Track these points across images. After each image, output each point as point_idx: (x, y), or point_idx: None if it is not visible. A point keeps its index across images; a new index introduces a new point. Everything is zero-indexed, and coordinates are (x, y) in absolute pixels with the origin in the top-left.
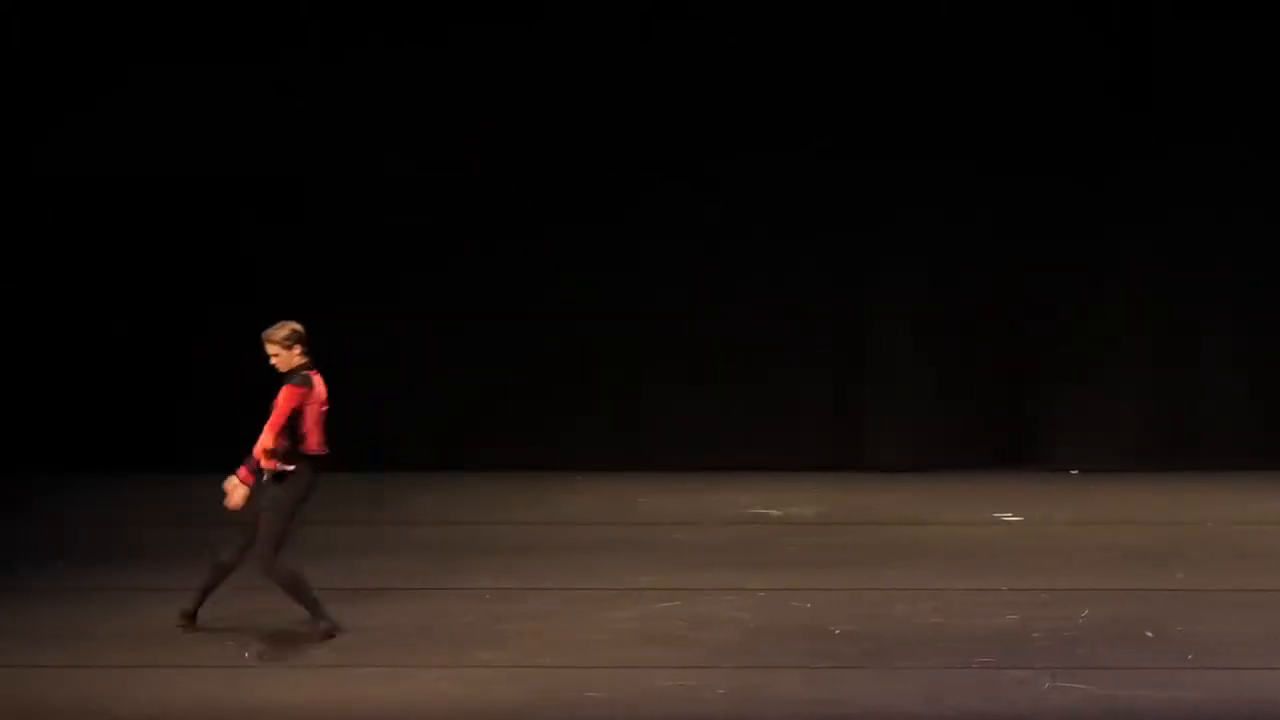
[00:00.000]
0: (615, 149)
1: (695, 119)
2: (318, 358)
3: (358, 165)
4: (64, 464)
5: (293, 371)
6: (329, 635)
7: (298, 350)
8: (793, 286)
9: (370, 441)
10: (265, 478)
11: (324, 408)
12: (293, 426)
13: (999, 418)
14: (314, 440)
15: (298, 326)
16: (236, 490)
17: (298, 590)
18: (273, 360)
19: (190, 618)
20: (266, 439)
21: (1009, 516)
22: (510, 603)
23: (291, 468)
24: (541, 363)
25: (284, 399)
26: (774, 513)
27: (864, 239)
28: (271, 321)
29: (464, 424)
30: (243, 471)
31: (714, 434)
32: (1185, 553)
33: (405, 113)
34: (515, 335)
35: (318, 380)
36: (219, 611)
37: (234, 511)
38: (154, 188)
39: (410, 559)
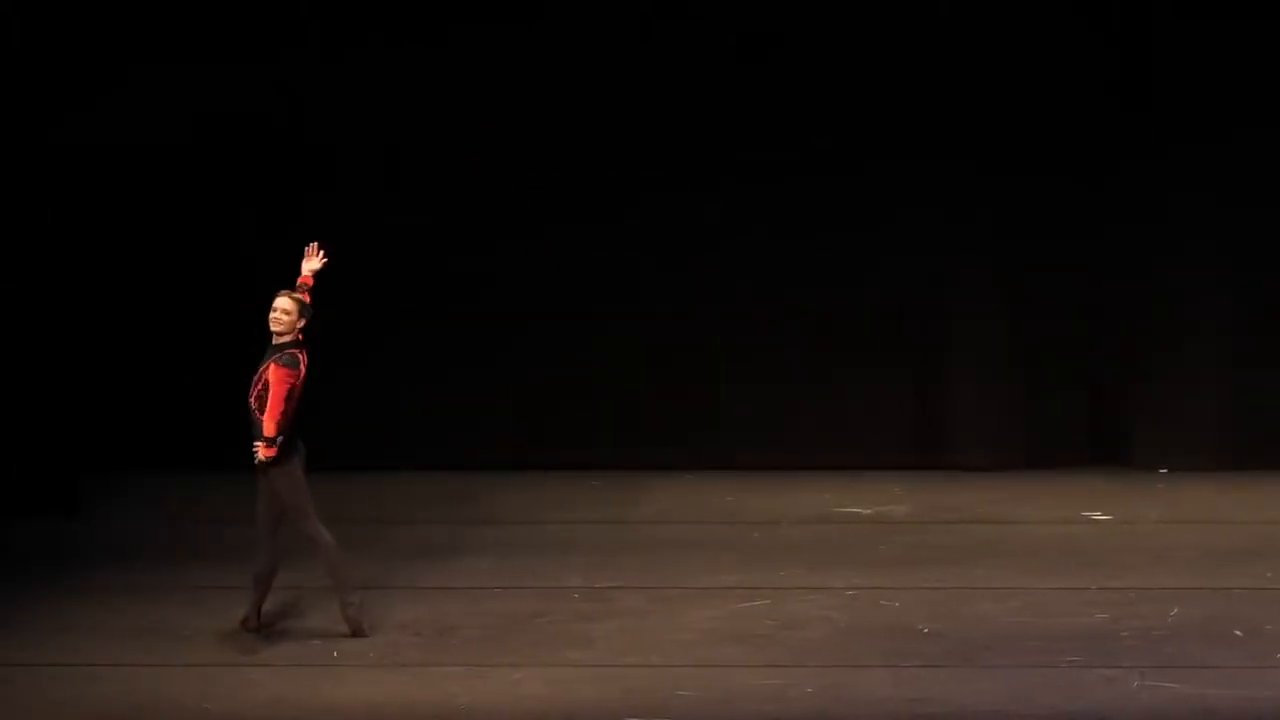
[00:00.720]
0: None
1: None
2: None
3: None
4: (127, 463)
5: (282, 347)
6: (356, 621)
7: (303, 323)
8: (881, 285)
9: (451, 441)
10: (261, 465)
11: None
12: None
13: (1086, 417)
14: (293, 415)
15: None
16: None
17: (338, 566)
18: (280, 318)
19: (255, 629)
20: (270, 428)
21: (1097, 515)
22: (597, 602)
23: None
24: (623, 361)
25: (279, 383)
26: (863, 511)
27: (948, 237)
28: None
29: (547, 423)
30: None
31: (801, 432)
32: (1275, 552)
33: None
34: (588, 332)
35: (304, 359)
36: (303, 610)
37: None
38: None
39: (496, 558)
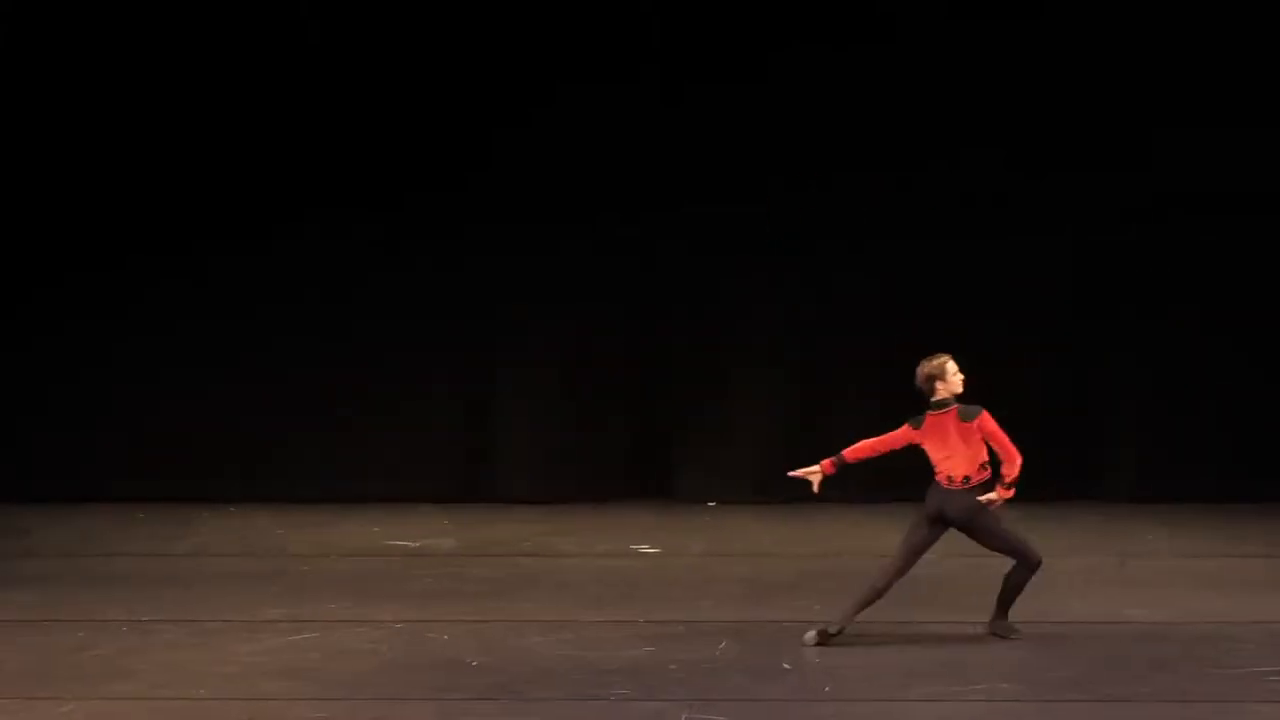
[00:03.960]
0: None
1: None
2: None
3: None
4: None
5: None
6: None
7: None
8: (428, 319)
9: (7, 471)
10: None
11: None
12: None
13: (632, 449)
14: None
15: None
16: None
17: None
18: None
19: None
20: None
21: (644, 548)
22: (145, 635)
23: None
24: (171, 393)
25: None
26: (411, 544)
27: (493, 273)
28: None
29: (89, 454)
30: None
31: (351, 465)
32: (821, 584)
33: None
34: (132, 363)
35: (930, 420)
36: None
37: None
38: None
39: (38, 591)
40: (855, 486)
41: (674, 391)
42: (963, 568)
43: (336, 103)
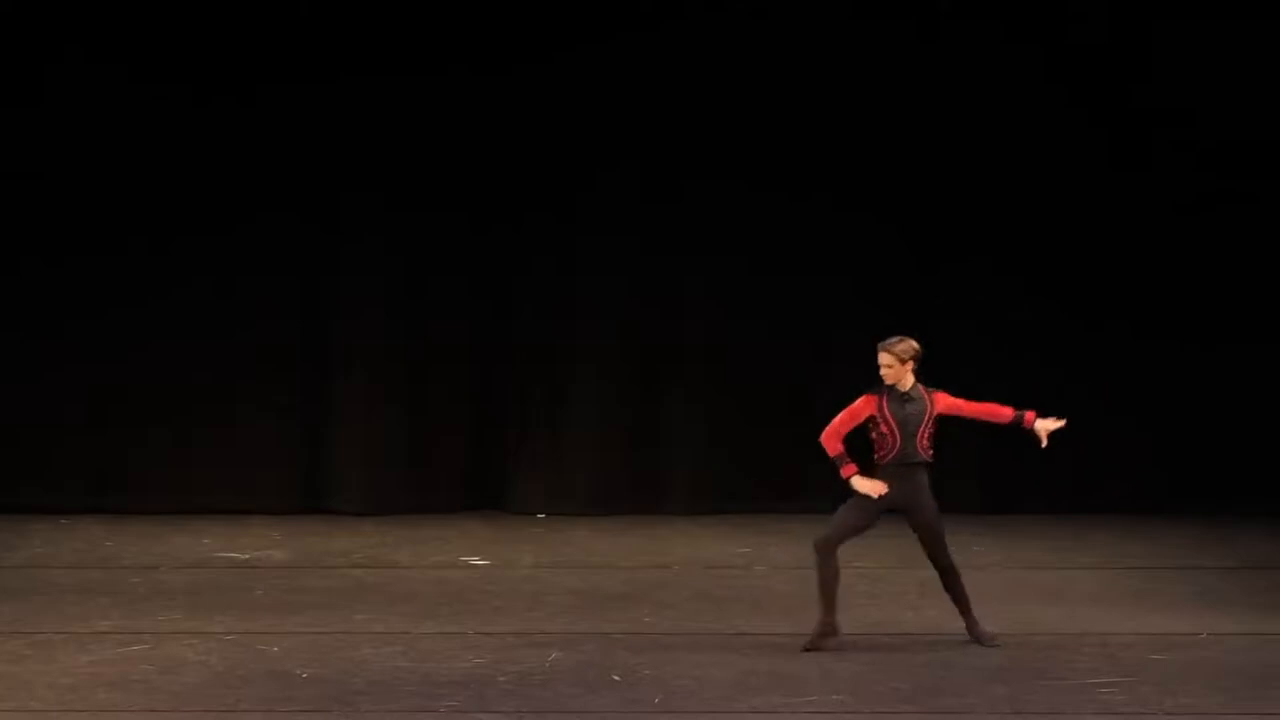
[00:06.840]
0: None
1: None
2: None
3: None
4: None
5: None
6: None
7: (909, 367)
8: (260, 327)
9: None
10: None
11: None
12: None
13: (465, 461)
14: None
15: (914, 344)
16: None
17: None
18: (886, 372)
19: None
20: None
21: (475, 560)
22: None
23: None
24: (13, 405)
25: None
26: (242, 556)
27: (330, 281)
28: None
29: None
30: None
31: (182, 477)
32: (652, 596)
33: None
34: None
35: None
36: None
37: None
38: None
39: None
40: (696, 494)
41: (506, 404)
42: (794, 579)
43: None
